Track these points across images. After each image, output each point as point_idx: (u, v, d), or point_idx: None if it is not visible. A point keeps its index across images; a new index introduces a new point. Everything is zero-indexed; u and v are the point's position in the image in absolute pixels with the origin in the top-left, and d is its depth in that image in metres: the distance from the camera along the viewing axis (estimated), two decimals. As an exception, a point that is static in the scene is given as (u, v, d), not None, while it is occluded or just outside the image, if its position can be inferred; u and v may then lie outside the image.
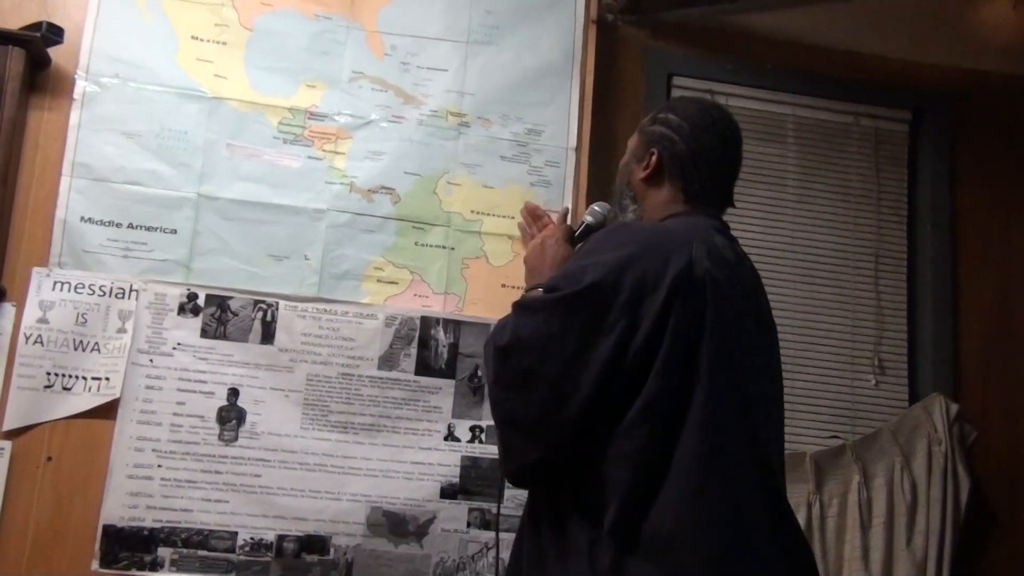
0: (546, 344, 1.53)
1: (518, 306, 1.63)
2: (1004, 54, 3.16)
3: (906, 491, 2.80)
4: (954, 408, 2.89)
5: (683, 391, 1.52)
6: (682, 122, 1.83)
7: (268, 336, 2.58)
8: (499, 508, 2.54)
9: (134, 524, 2.44)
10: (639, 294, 1.54)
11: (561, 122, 2.82)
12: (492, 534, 2.57)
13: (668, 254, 1.58)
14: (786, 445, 2.82)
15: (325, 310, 2.61)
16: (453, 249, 2.71)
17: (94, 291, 2.51)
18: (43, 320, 2.47)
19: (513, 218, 2.74)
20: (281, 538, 2.50)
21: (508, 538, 2.55)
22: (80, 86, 2.59)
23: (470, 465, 2.61)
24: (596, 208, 1.94)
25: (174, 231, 2.58)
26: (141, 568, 2.43)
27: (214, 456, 2.50)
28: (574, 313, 1.53)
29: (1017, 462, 2.96)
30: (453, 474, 2.59)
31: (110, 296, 2.52)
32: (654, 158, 1.82)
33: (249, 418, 2.53)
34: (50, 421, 2.44)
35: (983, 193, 3.14)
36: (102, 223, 2.55)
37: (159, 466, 2.47)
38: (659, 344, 1.53)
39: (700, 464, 1.50)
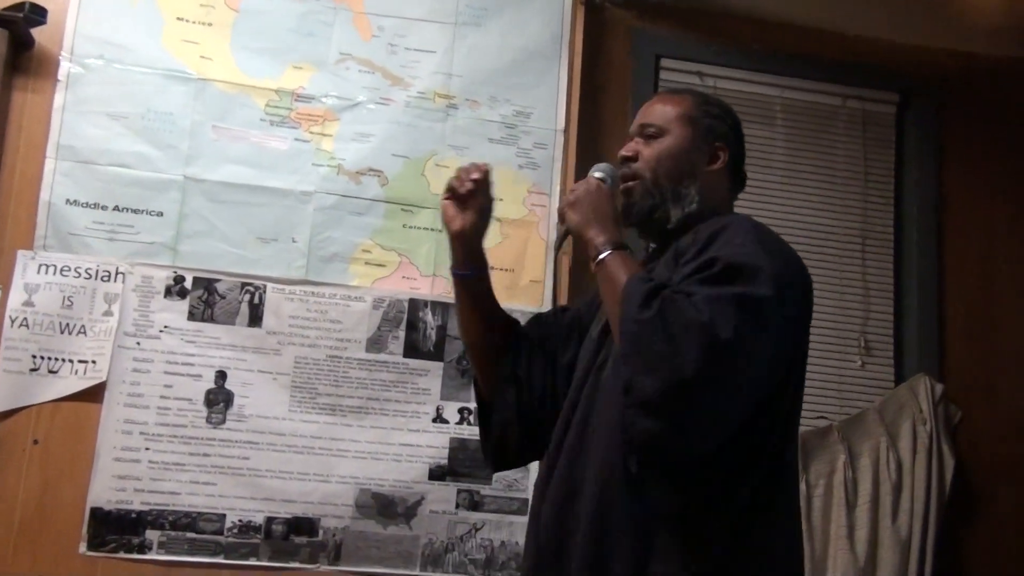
0: (763, 349, 1.49)
1: (746, 300, 1.49)
2: (991, 37, 3.17)
3: (891, 471, 2.82)
4: (939, 388, 2.91)
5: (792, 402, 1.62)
6: (734, 124, 1.86)
7: (256, 319, 2.57)
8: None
9: (122, 507, 2.44)
10: (809, 311, 1.64)
11: (549, 104, 2.82)
12: (480, 515, 2.58)
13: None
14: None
15: (313, 293, 2.61)
16: (441, 231, 2.69)
17: (80, 274, 2.50)
18: (28, 303, 2.46)
19: (503, 200, 2.73)
20: (269, 520, 2.50)
21: (495, 519, 2.56)
22: (64, 67, 2.57)
23: (458, 447, 2.61)
24: (604, 167, 1.82)
25: (160, 214, 2.57)
26: (129, 551, 2.43)
27: (202, 439, 2.50)
28: (782, 322, 1.53)
29: (1000, 442, 2.98)
30: (441, 456, 2.60)
31: (96, 279, 2.51)
32: (724, 154, 1.81)
33: (237, 401, 2.53)
34: (36, 404, 2.44)
35: (969, 175, 3.15)
36: (88, 206, 2.53)
37: (147, 449, 2.47)
38: (800, 361, 1.63)
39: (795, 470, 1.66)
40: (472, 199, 1.81)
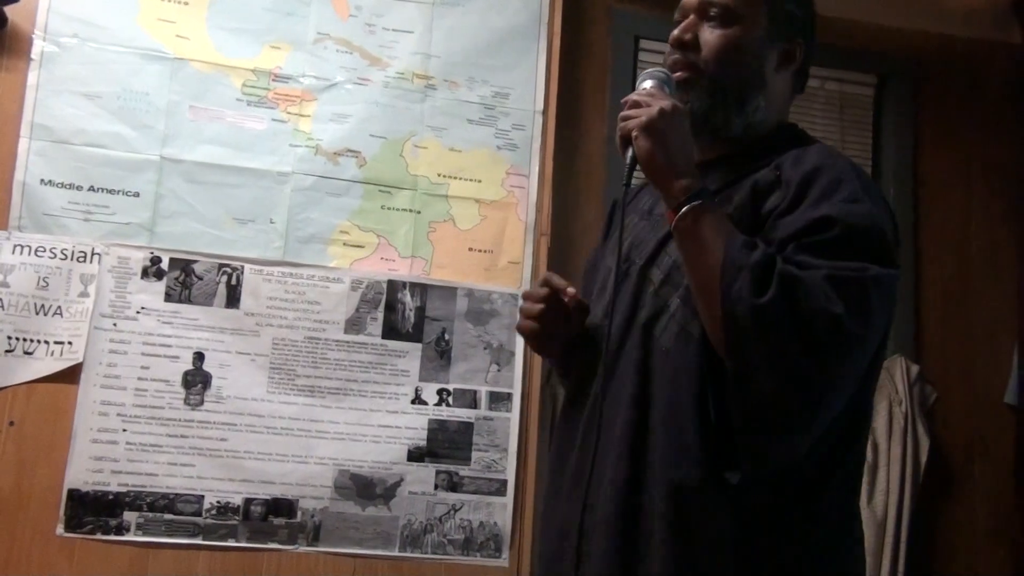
0: (880, 324, 1.31)
1: (880, 284, 1.28)
2: (968, 19, 3.19)
3: (867, 451, 2.84)
4: (915, 369, 2.93)
5: None
6: (814, 13, 1.58)
7: (233, 300, 2.56)
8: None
9: (99, 488, 2.43)
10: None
11: (528, 85, 2.81)
12: (459, 496, 2.59)
13: None
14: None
15: (291, 274, 2.60)
16: (420, 212, 2.69)
17: (55, 255, 2.48)
18: (3, 284, 2.44)
19: (481, 181, 2.73)
20: (248, 501, 2.50)
21: (473, 500, 2.57)
22: (38, 46, 2.54)
23: (437, 428, 2.61)
24: (658, 72, 1.44)
25: (136, 194, 2.55)
26: (107, 532, 2.42)
27: (180, 420, 2.49)
28: (893, 295, 1.33)
29: (975, 422, 3.02)
30: (420, 437, 2.60)
31: (72, 260, 2.49)
32: (800, 53, 1.53)
33: (215, 382, 2.52)
34: (11, 386, 2.42)
35: (945, 157, 3.17)
36: (63, 186, 2.51)
37: (124, 430, 2.46)
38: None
39: None
40: (571, 320, 1.51)
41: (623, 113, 1.38)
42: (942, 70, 3.20)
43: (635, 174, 1.38)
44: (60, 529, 2.40)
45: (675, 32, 1.48)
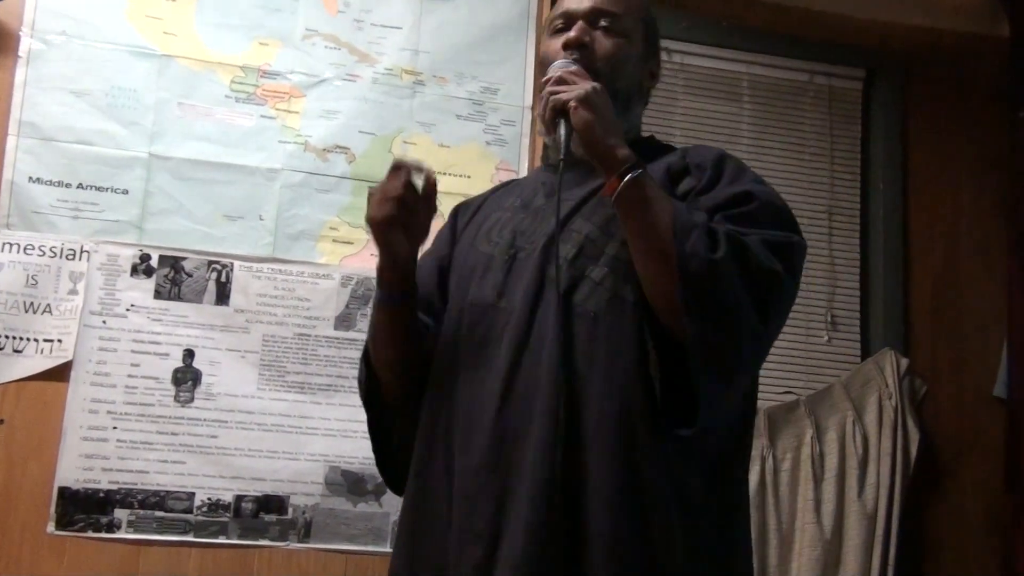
0: (793, 299, 1.43)
1: (799, 250, 1.40)
2: (956, 12, 3.19)
3: (857, 444, 2.85)
4: (904, 363, 2.94)
5: None
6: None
7: (223, 297, 2.56)
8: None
9: (90, 486, 2.43)
10: None
11: (516, 80, 2.81)
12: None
13: None
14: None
15: (280, 271, 2.60)
16: (409, 208, 2.69)
17: (44, 252, 2.48)
18: (-8, 282, 2.44)
19: (470, 177, 2.73)
20: (239, 498, 2.50)
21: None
22: (25, 43, 2.54)
23: (428, 424, 2.61)
24: (564, 62, 1.45)
25: (125, 191, 2.55)
26: (98, 530, 2.42)
27: (170, 417, 2.49)
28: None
29: (964, 415, 3.02)
30: (411, 433, 2.60)
31: (61, 257, 2.48)
32: (657, 75, 1.61)
33: (205, 379, 2.52)
34: (1, 384, 2.42)
35: (934, 151, 3.17)
36: (51, 183, 2.51)
37: (114, 428, 2.46)
38: None
39: None
40: (423, 211, 1.46)
41: (551, 88, 1.38)
42: (931, 64, 3.21)
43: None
44: (51, 527, 2.40)
45: (571, 34, 1.49)
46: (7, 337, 2.43)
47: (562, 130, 1.36)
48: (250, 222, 2.60)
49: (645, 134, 1.66)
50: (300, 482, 2.53)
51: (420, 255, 1.56)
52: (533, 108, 2.79)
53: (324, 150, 2.67)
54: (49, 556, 2.38)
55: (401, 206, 1.42)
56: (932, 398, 3.00)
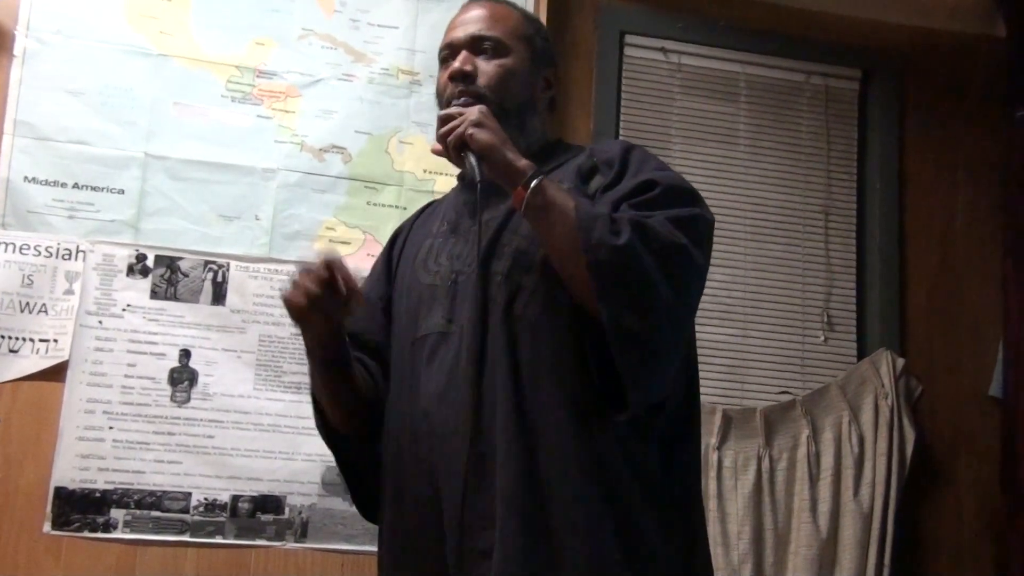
0: (709, 259, 1.47)
1: (704, 223, 1.45)
2: (951, 13, 3.20)
3: (853, 444, 2.85)
4: (900, 363, 2.94)
5: None
6: (551, 45, 1.71)
7: (219, 297, 2.56)
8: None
9: (86, 486, 2.42)
10: None
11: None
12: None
13: None
14: (738, 401, 2.90)
15: (277, 270, 2.59)
16: (406, 209, 2.69)
17: (40, 252, 2.47)
18: (-12, 282, 2.43)
19: (466, 177, 2.72)
20: (236, 498, 2.50)
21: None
22: (20, 42, 2.53)
23: (424, 424, 2.61)
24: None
25: (121, 191, 2.55)
26: (94, 530, 2.42)
27: (166, 417, 2.49)
28: (712, 239, 1.51)
29: (960, 415, 3.02)
30: (407, 433, 2.60)
31: (56, 257, 2.48)
32: (554, 82, 1.67)
33: (201, 379, 2.52)
34: (-3, 384, 2.42)
35: (930, 151, 3.18)
36: (47, 183, 2.50)
37: (111, 428, 2.45)
38: None
39: None
40: (343, 300, 1.45)
41: (443, 129, 1.47)
42: (927, 64, 3.21)
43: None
44: (47, 527, 2.39)
45: (455, 64, 1.57)
46: (3, 337, 2.42)
47: (471, 159, 1.43)
48: (246, 222, 2.60)
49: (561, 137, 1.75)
50: (297, 482, 2.53)
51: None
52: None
53: (320, 150, 2.67)
54: (45, 556, 2.38)
55: (312, 302, 1.44)
56: (928, 398, 3.00)
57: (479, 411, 1.41)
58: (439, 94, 1.62)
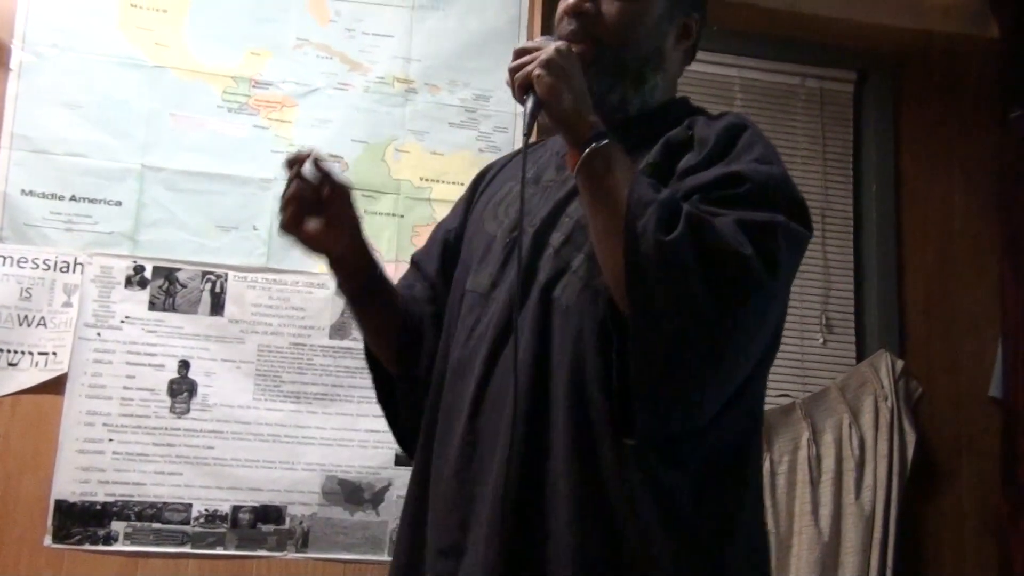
0: (787, 278, 1.25)
1: (791, 235, 1.22)
2: (945, 14, 3.20)
3: (854, 446, 2.85)
4: (899, 364, 2.94)
5: None
6: None
7: (218, 307, 2.56)
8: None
9: (86, 499, 2.42)
10: None
11: (508, 87, 2.80)
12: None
13: None
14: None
15: (275, 280, 2.59)
16: (403, 217, 2.69)
17: (38, 265, 2.47)
18: (-14, 296, 2.43)
19: (464, 184, 2.71)
20: (236, 509, 2.49)
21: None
22: (17, 56, 2.54)
23: (424, 432, 2.61)
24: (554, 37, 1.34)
25: (119, 203, 2.55)
26: (95, 542, 2.41)
27: (166, 429, 2.48)
28: (801, 253, 1.29)
29: (960, 416, 3.02)
30: (407, 441, 2.60)
31: (54, 270, 2.48)
32: (695, 29, 1.45)
33: (201, 390, 2.51)
34: (-4, 397, 2.42)
35: (926, 152, 3.18)
36: (44, 196, 2.50)
37: (110, 440, 2.45)
38: None
39: None
40: (330, 197, 1.36)
41: (515, 63, 1.27)
42: (922, 66, 3.22)
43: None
44: (48, 540, 2.39)
45: (570, 1, 1.36)
46: (1, 351, 2.42)
47: (529, 104, 1.25)
48: (244, 232, 2.60)
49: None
50: (297, 492, 2.52)
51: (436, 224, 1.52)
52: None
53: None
54: (46, 569, 2.38)
55: (300, 203, 1.35)
56: (927, 399, 3.00)
57: (481, 400, 1.29)
58: (555, 27, 1.39)
